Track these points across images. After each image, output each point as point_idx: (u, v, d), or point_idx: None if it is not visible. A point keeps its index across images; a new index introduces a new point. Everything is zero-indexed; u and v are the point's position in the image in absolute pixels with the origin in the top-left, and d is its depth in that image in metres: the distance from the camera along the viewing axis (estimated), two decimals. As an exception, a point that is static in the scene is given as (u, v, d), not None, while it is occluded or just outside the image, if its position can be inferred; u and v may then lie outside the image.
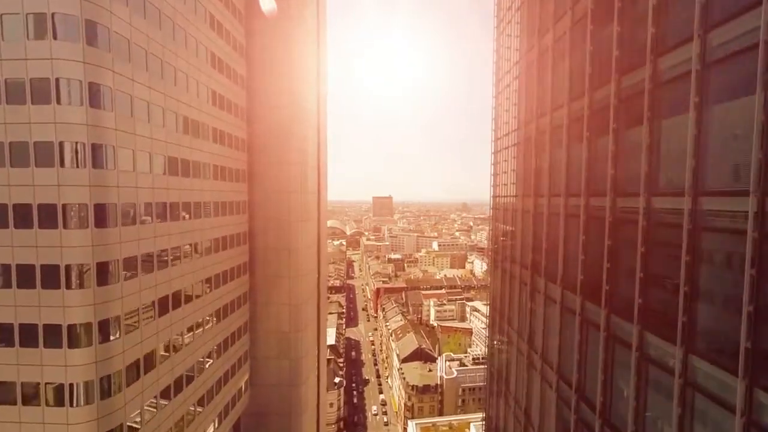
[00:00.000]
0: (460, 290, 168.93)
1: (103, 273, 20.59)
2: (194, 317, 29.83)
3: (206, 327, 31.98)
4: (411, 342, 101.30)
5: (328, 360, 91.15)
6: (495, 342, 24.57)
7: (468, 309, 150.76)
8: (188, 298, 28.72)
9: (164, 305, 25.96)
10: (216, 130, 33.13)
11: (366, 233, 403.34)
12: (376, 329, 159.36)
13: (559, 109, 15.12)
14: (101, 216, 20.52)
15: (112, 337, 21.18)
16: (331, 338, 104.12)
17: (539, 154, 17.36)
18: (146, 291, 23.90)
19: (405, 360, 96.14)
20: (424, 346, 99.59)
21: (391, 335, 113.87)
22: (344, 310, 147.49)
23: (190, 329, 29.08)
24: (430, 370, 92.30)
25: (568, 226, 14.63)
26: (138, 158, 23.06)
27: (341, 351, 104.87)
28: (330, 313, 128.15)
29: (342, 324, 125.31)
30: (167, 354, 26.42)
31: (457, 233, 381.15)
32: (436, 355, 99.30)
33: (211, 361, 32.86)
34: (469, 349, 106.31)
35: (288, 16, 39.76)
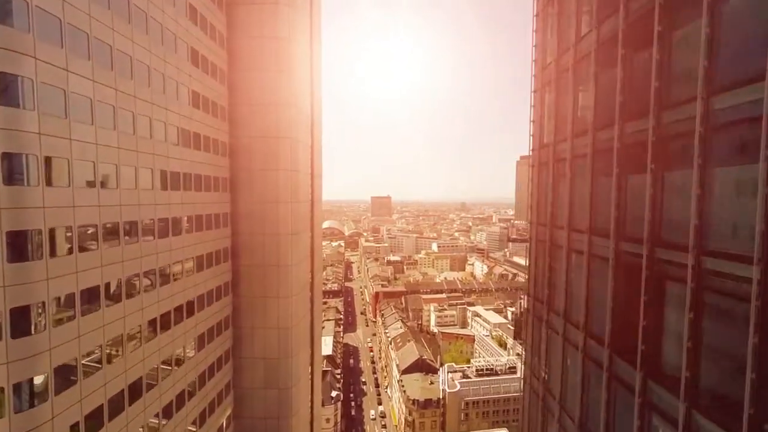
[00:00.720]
0: (461, 294, 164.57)
1: (21, 321, 15.85)
2: (160, 355, 25.12)
3: (177, 365, 27.26)
4: (411, 352, 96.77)
5: (325, 372, 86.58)
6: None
7: (469, 314, 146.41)
8: (150, 336, 24.00)
9: (117, 346, 21.24)
10: (188, 131, 28.37)
11: (365, 234, 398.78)
12: (374, 334, 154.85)
13: (583, 136, 13.08)
14: (18, 247, 15.79)
15: (37, 402, 16.48)
16: (328, 347, 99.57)
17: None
18: (90, 335, 19.17)
19: (405, 371, 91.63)
20: (425, 356, 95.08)
21: (391, 343, 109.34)
22: (342, 316, 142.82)
23: (152, 373, 24.34)
24: (431, 383, 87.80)
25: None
26: (77, 169, 18.29)
27: (339, 361, 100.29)
28: (327, 320, 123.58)
29: (340, 332, 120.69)
30: (121, 406, 21.69)
31: (456, 234, 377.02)
32: (437, 366, 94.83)
33: (185, 404, 28.15)
34: (472, 360, 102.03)
35: (275, 2, 34.99)
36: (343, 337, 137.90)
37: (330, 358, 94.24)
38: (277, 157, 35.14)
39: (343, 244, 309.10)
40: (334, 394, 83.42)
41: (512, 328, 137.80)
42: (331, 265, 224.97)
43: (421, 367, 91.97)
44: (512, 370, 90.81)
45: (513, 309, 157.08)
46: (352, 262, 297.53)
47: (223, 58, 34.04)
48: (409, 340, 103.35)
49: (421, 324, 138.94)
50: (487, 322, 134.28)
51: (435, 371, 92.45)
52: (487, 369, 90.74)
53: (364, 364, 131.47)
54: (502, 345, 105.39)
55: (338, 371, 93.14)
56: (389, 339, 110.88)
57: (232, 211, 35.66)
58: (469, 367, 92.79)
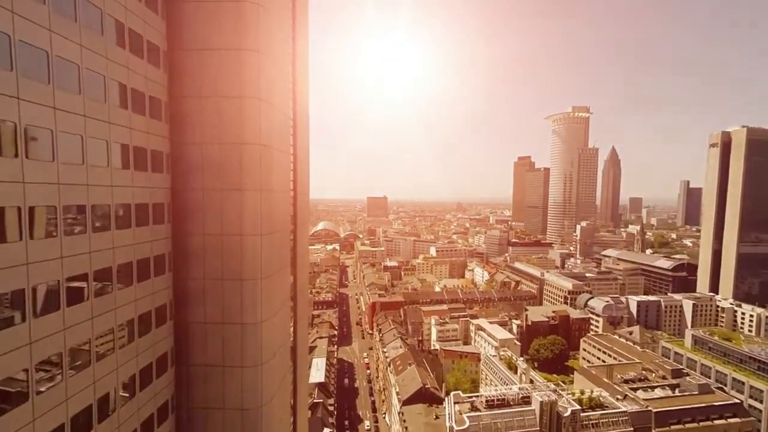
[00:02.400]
0: (462, 306, 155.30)
1: None
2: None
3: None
4: (413, 378, 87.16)
5: (316, 404, 76.78)
6: None
7: (472, 328, 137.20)
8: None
9: None
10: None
11: (360, 235, 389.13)
12: (371, 348, 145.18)
13: None
14: None
15: None
16: (320, 373, 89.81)
17: None
18: None
19: (406, 402, 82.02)
20: (428, 383, 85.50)
21: (390, 365, 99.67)
22: (336, 331, 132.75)
23: None
24: (436, 417, 78.29)
25: None
26: None
27: (332, 388, 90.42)
28: (319, 338, 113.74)
29: (333, 351, 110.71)
30: None
31: (454, 236, 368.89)
32: (442, 395, 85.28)
33: None
34: (480, 387, 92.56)
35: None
36: (337, 352, 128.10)
37: (322, 386, 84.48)
38: (240, 172, 25.02)
39: (338, 248, 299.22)
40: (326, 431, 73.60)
41: (519, 343, 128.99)
42: (326, 271, 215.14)
43: (424, 396, 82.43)
44: (526, 400, 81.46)
45: (518, 322, 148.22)
46: (348, 266, 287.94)
47: (160, 30, 23.95)
48: (410, 364, 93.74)
49: (421, 341, 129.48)
50: (491, 338, 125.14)
51: (440, 401, 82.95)
52: (498, 399, 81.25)
53: (360, 383, 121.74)
54: (512, 368, 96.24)
55: (331, 401, 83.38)
56: (388, 360, 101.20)
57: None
58: (477, 396, 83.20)
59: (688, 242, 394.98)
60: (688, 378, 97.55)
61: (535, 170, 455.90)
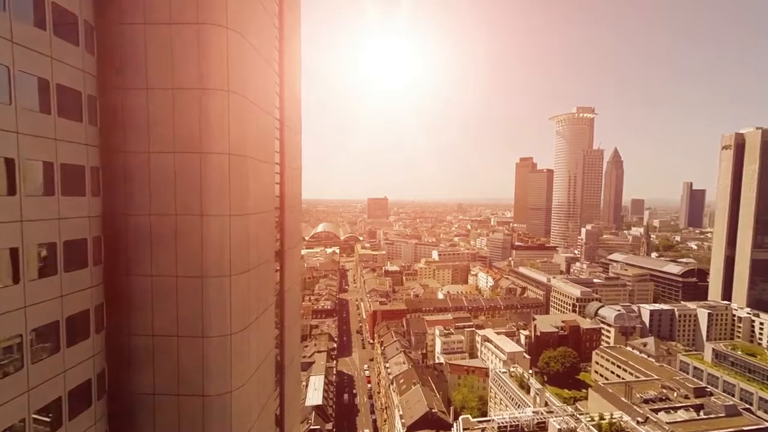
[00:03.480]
0: (467, 315, 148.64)
1: None
2: None
3: None
4: (418, 401, 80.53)
5: (313, 431, 70.13)
6: None
7: (478, 339, 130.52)
8: None
9: None
10: None
11: (361, 237, 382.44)
12: (372, 359, 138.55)
13: None
14: None
15: None
16: (317, 394, 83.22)
17: None
18: None
19: (411, 427, 75.36)
20: (434, 407, 78.87)
21: (392, 383, 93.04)
22: (336, 344, 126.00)
23: None
24: (444, 446, 71.62)
25: None
26: None
27: (330, 410, 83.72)
28: (318, 352, 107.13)
29: (332, 367, 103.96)
30: None
31: (456, 239, 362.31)
32: (449, 420, 78.65)
33: None
34: (491, 409, 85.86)
35: None
36: (337, 365, 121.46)
37: (320, 410, 77.82)
38: (200, 191, 18.24)
39: (338, 251, 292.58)
40: (323, 463, 66.94)
41: (528, 357, 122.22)
42: (325, 276, 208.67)
43: (431, 422, 75.83)
44: (541, 426, 74.96)
45: (526, 332, 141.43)
46: (348, 270, 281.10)
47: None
48: (414, 383, 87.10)
49: (425, 354, 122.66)
50: (499, 350, 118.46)
51: (447, 427, 76.31)
52: (511, 425, 74.71)
53: (361, 398, 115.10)
54: (524, 387, 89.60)
55: (329, 426, 76.70)
56: (391, 378, 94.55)
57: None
58: (488, 421, 76.64)
59: (692, 245, 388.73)
60: (712, 398, 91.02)
61: (538, 172, 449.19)
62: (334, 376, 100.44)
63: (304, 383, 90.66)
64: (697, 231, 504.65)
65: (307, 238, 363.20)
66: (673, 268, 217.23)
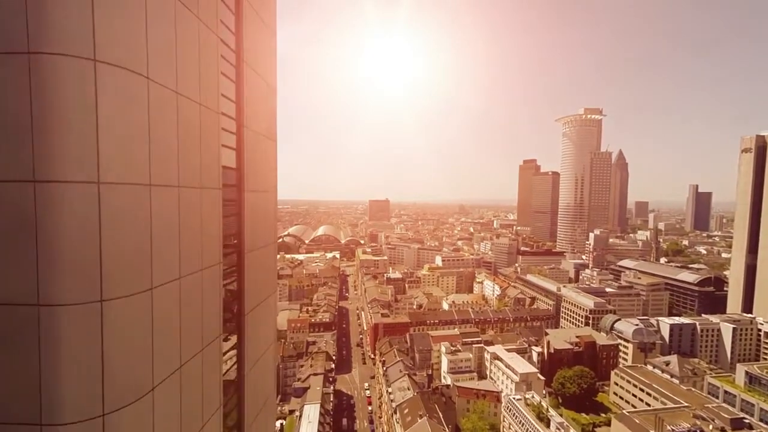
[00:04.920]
0: (475, 329, 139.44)
1: None
2: None
3: None
4: (425, 438, 71.49)
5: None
6: None
7: (487, 356, 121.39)
8: None
9: None
10: None
11: (362, 241, 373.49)
12: (373, 377, 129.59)
13: None
14: None
15: None
16: (312, 428, 74.09)
17: None
18: None
19: (418, 471, 66.33)
20: (444, 446, 69.78)
21: (396, 413, 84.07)
22: (333, 365, 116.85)
23: None
24: (456, 495, 62.54)
25: None
26: None
27: (326, 447, 74.74)
28: (314, 374, 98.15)
29: (329, 393, 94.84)
30: None
31: (459, 242, 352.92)
32: (461, 461, 69.62)
33: None
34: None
35: None
36: (335, 383, 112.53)
37: (314, 449, 68.84)
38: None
39: (338, 256, 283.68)
40: None
41: (542, 378, 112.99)
42: (324, 284, 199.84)
43: (440, 464, 66.82)
44: (566, 471, 65.76)
45: (538, 349, 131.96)
46: (348, 275, 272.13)
47: None
48: (420, 415, 78.02)
49: (431, 375, 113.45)
50: (511, 370, 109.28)
51: (459, 470, 67.33)
52: (531, 470, 65.62)
53: (361, 423, 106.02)
54: (543, 419, 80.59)
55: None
56: (394, 407, 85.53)
57: None
58: (505, 464, 67.58)
59: (701, 249, 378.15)
60: (752, 431, 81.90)
61: (542, 174, 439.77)
62: (331, 403, 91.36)
63: (297, 413, 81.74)
64: (705, 234, 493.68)
65: (307, 242, 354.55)
66: (688, 277, 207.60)
